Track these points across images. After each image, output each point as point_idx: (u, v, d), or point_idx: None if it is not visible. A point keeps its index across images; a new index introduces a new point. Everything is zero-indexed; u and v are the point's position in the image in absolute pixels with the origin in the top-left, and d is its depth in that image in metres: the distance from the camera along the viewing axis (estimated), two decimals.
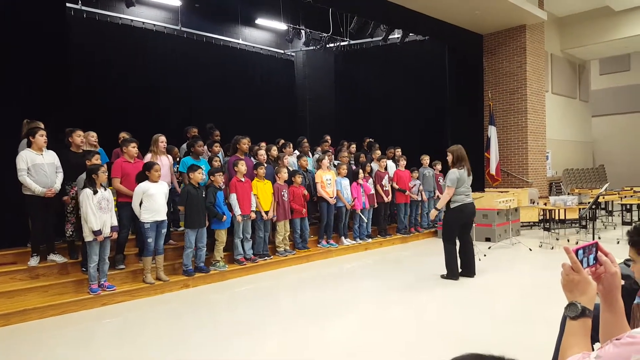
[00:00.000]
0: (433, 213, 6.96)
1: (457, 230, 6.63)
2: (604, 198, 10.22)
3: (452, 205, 6.51)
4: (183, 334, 4.71)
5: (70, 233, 6.18)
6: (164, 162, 6.90)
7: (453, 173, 6.48)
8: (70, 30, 7.40)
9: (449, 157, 6.63)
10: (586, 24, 14.41)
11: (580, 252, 1.18)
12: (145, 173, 6.17)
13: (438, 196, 10.63)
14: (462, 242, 6.72)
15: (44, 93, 6.55)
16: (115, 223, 5.92)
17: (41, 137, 5.78)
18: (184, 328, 4.90)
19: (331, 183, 8.59)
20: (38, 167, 5.74)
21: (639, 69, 17.94)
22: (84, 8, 9.69)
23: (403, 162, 10.06)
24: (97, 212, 5.63)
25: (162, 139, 7.00)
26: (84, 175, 5.87)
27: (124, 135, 7.34)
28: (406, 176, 9.97)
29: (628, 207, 10.45)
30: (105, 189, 5.84)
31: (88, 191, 5.61)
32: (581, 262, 1.18)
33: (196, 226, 6.61)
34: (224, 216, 6.89)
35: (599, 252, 1.23)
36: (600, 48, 15.16)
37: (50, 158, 5.92)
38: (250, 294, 6.31)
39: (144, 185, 6.11)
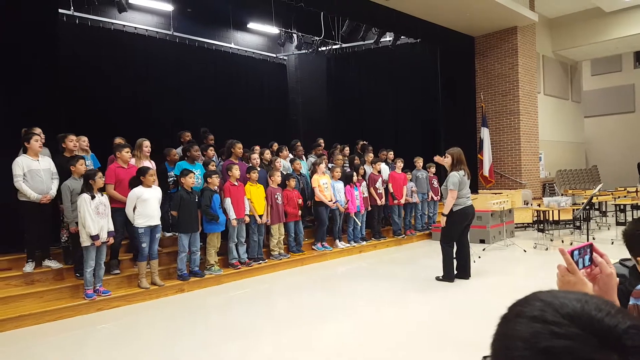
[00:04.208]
0: (443, 221, 6.59)
1: (458, 232, 6.62)
2: (597, 199, 10.27)
3: (455, 209, 6.47)
4: (178, 338, 4.70)
5: (66, 239, 6.15)
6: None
7: (454, 176, 6.40)
8: (62, 36, 7.35)
9: (448, 159, 6.55)
10: (577, 25, 14.50)
11: (576, 253, 1.19)
12: (140, 178, 6.17)
13: (432, 198, 10.66)
14: (459, 245, 6.71)
15: (35, 99, 6.49)
16: (112, 228, 5.91)
17: (36, 142, 5.75)
18: (179, 332, 4.89)
19: (328, 187, 8.60)
20: (34, 173, 5.72)
21: (631, 70, 18.09)
22: (76, 14, 9.66)
23: (400, 164, 9.97)
24: (95, 217, 5.62)
25: (147, 143, 6.97)
26: (67, 182, 5.85)
27: (119, 140, 7.30)
28: (402, 178, 9.93)
29: (622, 207, 10.51)
30: (102, 194, 5.83)
31: (86, 196, 5.60)
32: (576, 263, 1.18)
33: (189, 230, 6.60)
34: (218, 217, 6.90)
35: (594, 253, 1.24)
36: (592, 49, 15.25)
37: (46, 164, 5.90)
38: (245, 297, 6.30)
39: (138, 190, 6.11)
